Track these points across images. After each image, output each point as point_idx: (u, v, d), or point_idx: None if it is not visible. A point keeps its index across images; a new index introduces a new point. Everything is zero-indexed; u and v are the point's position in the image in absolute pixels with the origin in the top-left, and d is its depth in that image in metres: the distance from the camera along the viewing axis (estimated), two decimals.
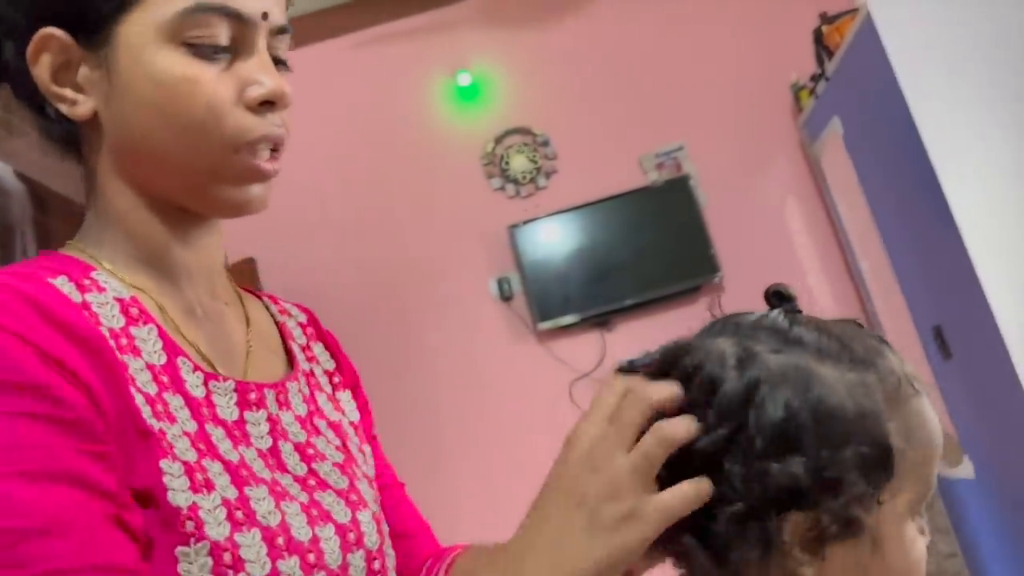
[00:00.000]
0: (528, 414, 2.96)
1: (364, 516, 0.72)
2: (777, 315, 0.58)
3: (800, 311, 0.59)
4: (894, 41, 2.24)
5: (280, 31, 0.69)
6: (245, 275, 2.81)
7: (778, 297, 0.59)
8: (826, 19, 2.70)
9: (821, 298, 3.12)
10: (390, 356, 2.98)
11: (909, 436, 0.55)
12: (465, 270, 3.16)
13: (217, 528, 0.60)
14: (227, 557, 0.59)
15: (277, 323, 0.82)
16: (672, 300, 3.09)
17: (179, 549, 0.58)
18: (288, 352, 0.80)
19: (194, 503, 0.59)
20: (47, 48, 0.65)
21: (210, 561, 0.59)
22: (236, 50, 0.66)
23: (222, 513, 0.60)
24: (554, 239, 3.12)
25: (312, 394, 0.78)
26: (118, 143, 0.67)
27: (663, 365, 0.58)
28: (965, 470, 2.51)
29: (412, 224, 3.20)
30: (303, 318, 0.87)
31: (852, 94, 2.60)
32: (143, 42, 0.64)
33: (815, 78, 2.84)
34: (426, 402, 2.93)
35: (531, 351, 3.07)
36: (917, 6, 2.27)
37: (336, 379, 0.85)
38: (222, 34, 0.64)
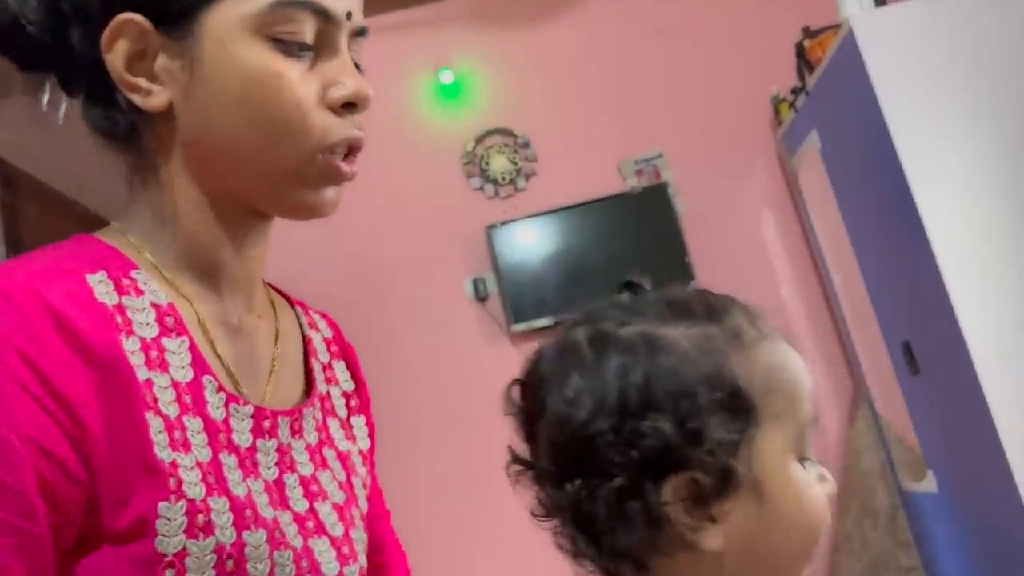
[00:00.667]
0: (500, 414, 2.95)
1: (351, 570, 0.71)
2: (622, 295, 0.61)
3: (644, 290, 0.61)
4: (875, 58, 2.26)
5: (359, 33, 0.68)
6: None
7: (629, 285, 0.62)
8: (809, 33, 2.73)
9: (793, 310, 3.15)
10: (362, 351, 2.95)
11: (768, 377, 0.55)
12: (441, 269, 3.15)
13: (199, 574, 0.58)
14: None
15: (304, 336, 0.80)
16: None
17: None
18: (308, 371, 0.78)
19: (184, 548, 0.57)
20: (124, 35, 0.62)
21: None
22: (320, 49, 0.65)
23: (212, 560, 0.58)
24: (531, 241, 3.12)
25: (325, 421, 0.76)
26: (193, 138, 0.64)
27: (527, 375, 0.60)
28: (928, 484, 2.54)
29: (389, 220, 3.18)
30: (329, 333, 0.85)
31: (831, 109, 2.63)
32: (230, 34, 0.62)
33: (795, 91, 2.86)
34: (398, 399, 2.92)
35: (505, 352, 3.06)
36: (899, 25, 2.30)
37: (353, 402, 0.83)
38: (308, 31, 0.63)
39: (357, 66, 0.68)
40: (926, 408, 2.48)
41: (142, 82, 0.63)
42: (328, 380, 0.80)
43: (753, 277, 3.16)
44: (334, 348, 0.84)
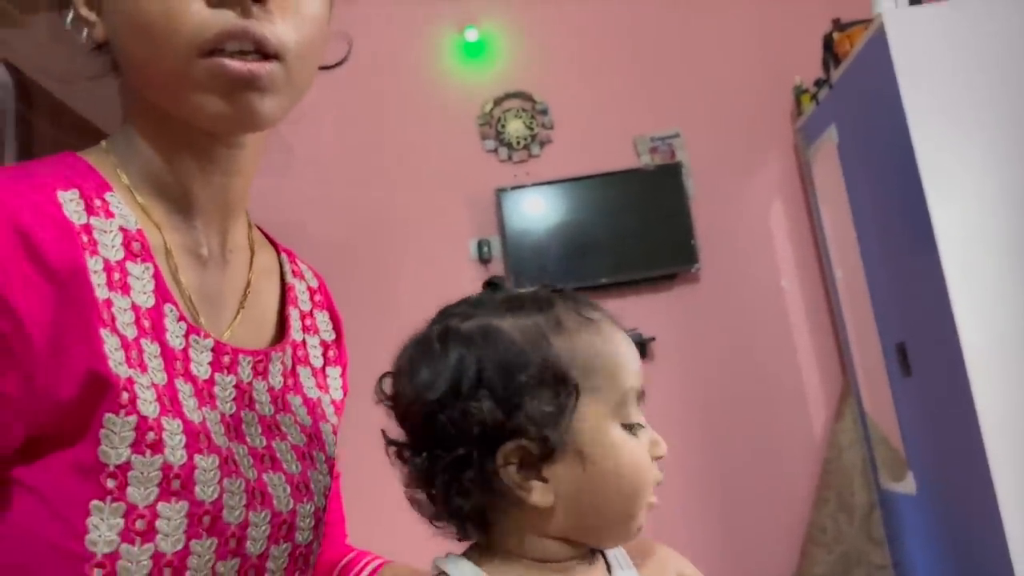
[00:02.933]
0: None
1: (305, 509, 0.71)
2: (474, 294, 0.68)
3: (503, 289, 0.69)
4: (904, 57, 2.25)
5: None
6: None
7: (490, 284, 0.69)
8: (839, 26, 2.70)
9: (791, 301, 3.16)
10: (363, 300, 2.97)
11: (585, 356, 0.63)
12: (447, 226, 3.15)
13: (143, 493, 0.58)
14: (140, 524, 0.58)
15: (285, 284, 0.80)
16: (646, 284, 3.11)
17: (93, 503, 0.57)
18: (284, 318, 0.78)
19: (128, 462, 0.58)
20: None
21: (122, 522, 0.58)
22: None
23: (156, 478, 0.59)
24: (540, 209, 3.12)
25: (294, 368, 0.76)
26: (121, 62, 0.65)
27: (395, 372, 0.67)
28: (907, 485, 2.57)
29: (401, 172, 3.18)
30: (315, 283, 0.85)
31: (853, 104, 2.61)
32: None
33: (819, 83, 2.84)
34: (391, 347, 2.93)
35: None
36: (931, 25, 2.28)
37: (332, 353, 0.83)
38: None
39: None
40: (914, 410, 2.50)
41: (88, 15, 0.65)
42: (306, 329, 0.80)
43: (756, 266, 3.17)
44: (318, 298, 0.84)
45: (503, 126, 3.21)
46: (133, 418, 0.58)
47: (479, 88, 3.24)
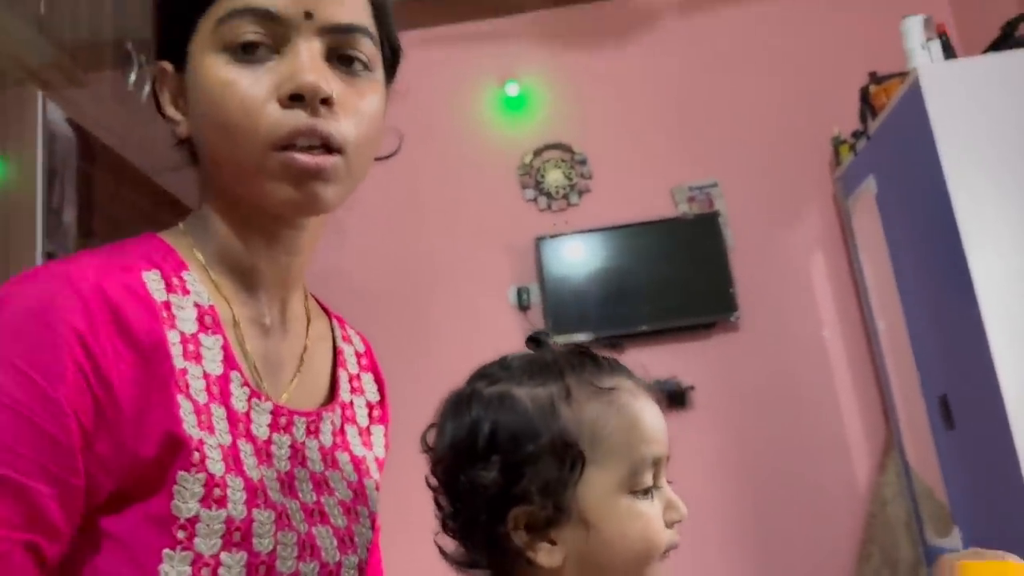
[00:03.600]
0: None
1: (350, 561, 0.76)
2: (506, 356, 0.72)
3: (545, 344, 0.72)
4: (939, 110, 2.26)
5: (340, 30, 0.69)
6: None
7: (532, 340, 0.73)
8: (875, 79, 2.73)
9: (833, 352, 3.13)
10: (403, 348, 3.03)
11: (593, 428, 0.65)
12: (487, 274, 3.21)
13: (209, 543, 0.64)
14: (205, 572, 0.64)
15: (336, 348, 0.86)
16: (686, 332, 3.12)
17: (165, 551, 0.63)
18: (334, 380, 0.84)
19: (196, 515, 0.64)
20: (161, 79, 0.74)
21: (189, 570, 0.64)
22: (279, 49, 0.68)
23: (220, 530, 0.65)
24: (579, 256, 3.16)
25: (343, 427, 0.82)
26: (203, 154, 0.73)
27: (434, 425, 0.72)
28: (953, 540, 2.51)
29: (442, 221, 3.25)
30: (362, 348, 0.91)
31: (891, 156, 2.62)
32: (199, 58, 0.69)
33: (856, 135, 2.86)
34: (433, 396, 2.97)
35: None
36: (967, 79, 2.30)
37: (376, 413, 0.89)
38: (252, 35, 0.67)
39: (358, 60, 0.70)
40: (958, 463, 2.46)
41: (175, 115, 0.74)
42: (354, 390, 0.86)
43: (796, 315, 3.16)
44: (364, 362, 0.90)
45: (543, 176, 3.28)
46: (203, 475, 0.65)
47: (519, 139, 3.32)
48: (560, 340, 0.74)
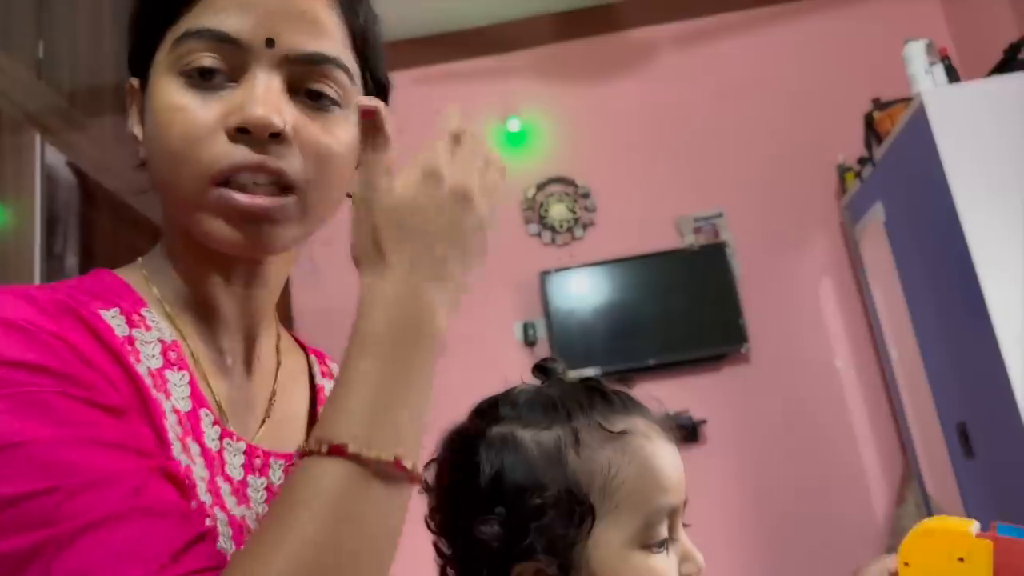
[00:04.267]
0: None
1: None
2: (512, 389, 0.67)
3: (555, 376, 0.66)
4: (945, 135, 2.24)
5: (305, 60, 0.63)
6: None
7: (540, 370, 0.67)
8: (879, 105, 2.71)
9: (847, 382, 3.09)
10: None
11: (604, 478, 0.59)
12: (493, 310, 3.18)
13: None
14: None
15: (315, 386, 0.81)
16: (695, 365, 3.08)
17: None
18: (314, 420, 0.78)
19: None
20: (131, 97, 0.69)
21: None
22: (236, 77, 0.63)
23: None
24: (584, 290, 3.13)
25: None
26: (152, 180, 0.67)
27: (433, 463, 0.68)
28: None
29: None
30: None
31: (898, 181, 2.60)
32: (155, 79, 0.64)
33: (862, 161, 2.84)
34: (437, 432, 2.93)
35: None
36: (971, 102, 2.28)
37: None
38: (209, 60, 0.62)
39: (325, 96, 0.65)
40: (978, 492, 2.40)
41: (138, 135, 0.68)
42: None
43: (808, 345, 3.12)
44: None
45: (546, 210, 3.26)
46: (194, 503, 0.60)
47: (522, 175, 3.30)
48: (569, 371, 0.69)
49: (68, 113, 2.08)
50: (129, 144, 0.70)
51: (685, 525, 0.64)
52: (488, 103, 3.35)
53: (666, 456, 0.62)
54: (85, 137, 2.13)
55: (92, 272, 0.69)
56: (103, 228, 2.19)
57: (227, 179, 0.61)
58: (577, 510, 0.59)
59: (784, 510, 2.97)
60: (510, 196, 3.28)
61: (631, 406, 0.64)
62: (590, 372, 0.68)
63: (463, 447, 0.64)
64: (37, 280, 1.87)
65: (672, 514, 0.61)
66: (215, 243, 0.63)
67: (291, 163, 0.62)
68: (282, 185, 0.62)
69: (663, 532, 0.61)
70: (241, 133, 0.61)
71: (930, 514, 2.75)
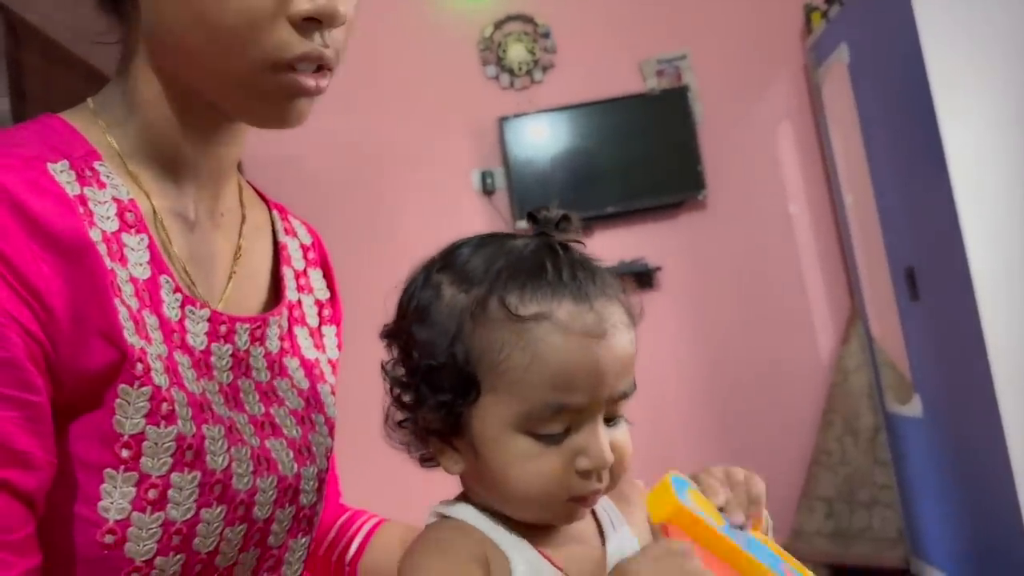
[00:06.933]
0: None
1: (308, 472, 0.71)
2: (465, 242, 0.64)
3: (540, 223, 0.64)
4: None
5: None
6: None
7: (531, 217, 0.65)
8: None
9: (799, 226, 3.13)
10: (363, 235, 2.95)
11: (493, 355, 0.58)
12: (449, 158, 3.11)
13: (157, 463, 0.59)
14: (152, 493, 0.59)
15: (278, 243, 0.78)
16: (654, 212, 3.08)
17: (107, 471, 0.58)
18: (279, 278, 0.77)
19: (142, 432, 0.59)
20: None
21: (134, 491, 0.58)
22: None
23: (171, 448, 0.60)
24: (544, 137, 3.06)
25: (291, 329, 0.75)
26: (151, 29, 0.63)
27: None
28: (913, 408, 2.58)
29: (399, 102, 3.11)
30: (308, 240, 0.83)
31: (865, 22, 2.53)
32: None
33: (829, 1, 2.75)
34: (394, 281, 2.93)
35: None
36: None
37: (326, 312, 0.82)
38: None
39: None
40: (922, 334, 2.50)
41: None
42: (300, 288, 0.79)
43: (763, 190, 3.13)
44: (311, 255, 0.82)
45: (504, 51, 3.13)
46: (148, 389, 0.59)
47: (478, 12, 3.15)
48: (525, 224, 0.66)
49: None
50: None
51: (612, 419, 0.61)
52: None
53: (574, 353, 0.57)
54: None
55: (42, 117, 0.64)
56: (32, 66, 2.06)
57: (286, 66, 0.61)
58: (463, 378, 0.58)
59: (733, 352, 3.07)
60: (466, 34, 3.14)
61: (568, 289, 0.59)
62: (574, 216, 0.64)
63: (408, 286, 0.64)
64: None
65: (573, 412, 0.58)
66: (257, 119, 0.64)
67: (336, 46, 0.63)
68: (327, 67, 0.63)
69: (552, 428, 0.58)
70: (308, 22, 0.60)
71: (872, 353, 2.87)
